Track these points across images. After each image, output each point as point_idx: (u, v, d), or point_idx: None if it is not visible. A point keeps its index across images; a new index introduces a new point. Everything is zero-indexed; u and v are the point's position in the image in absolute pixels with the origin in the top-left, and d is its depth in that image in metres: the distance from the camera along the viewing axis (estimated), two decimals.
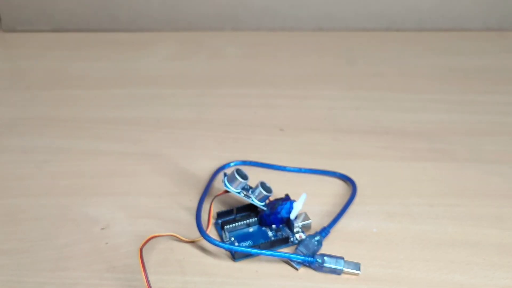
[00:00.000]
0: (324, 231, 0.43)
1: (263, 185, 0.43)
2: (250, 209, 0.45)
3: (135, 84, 0.68)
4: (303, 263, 0.41)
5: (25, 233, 0.44)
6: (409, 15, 0.79)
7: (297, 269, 0.41)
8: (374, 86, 0.66)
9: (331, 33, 0.80)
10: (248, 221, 0.44)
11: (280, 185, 0.48)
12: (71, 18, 0.81)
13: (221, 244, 0.40)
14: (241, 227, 0.44)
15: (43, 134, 0.58)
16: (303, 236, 0.43)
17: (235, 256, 0.41)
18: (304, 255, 0.40)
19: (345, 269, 0.40)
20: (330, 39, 0.78)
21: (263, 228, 0.44)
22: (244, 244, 0.43)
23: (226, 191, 0.43)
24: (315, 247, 0.42)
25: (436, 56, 0.73)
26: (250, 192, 0.43)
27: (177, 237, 0.43)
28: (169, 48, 0.78)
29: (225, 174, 0.44)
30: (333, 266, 0.40)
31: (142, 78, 0.70)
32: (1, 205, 0.47)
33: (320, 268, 0.40)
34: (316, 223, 0.45)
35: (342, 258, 0.40)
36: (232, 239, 0.43)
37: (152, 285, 0.38)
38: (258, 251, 0.40)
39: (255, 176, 0.46)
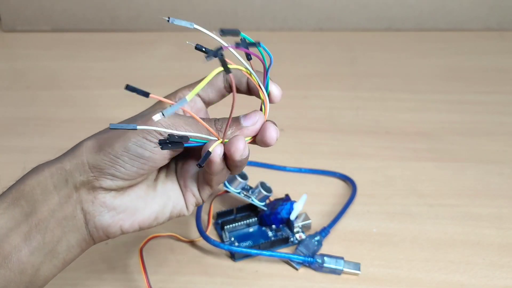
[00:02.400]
0: (324, 231, 0.43)
1: (263, 185, 0.43)
2: (250, 209, 0.45)
3: (135, 84, 0.68)
4: (303, 263, 0.41)
5: None
6: (409, 15, 0.79)
7: (297, 269, 0.41)
8: (374, 86, 0.66)
9: (331, 33, 0.80)
10: (248, 221, 0.44)
11: (280, 185, 0.48)
12: (71, 18, 0.81)
13: (220, 244, 0.40)
14: (241, 227, 0.44)
15: (43, 134, 0.58)
16: (303, 236, 0.43)
17: (235, 256, 0.41)
18: (304, 255, 0.40)
19: (345, 269, 0.40)
20: (330, 39, 0.78)
21: (263, 228, 0.44)
22: (244, 244, 0.42)
23: (226, 191, 0.43)
24: (315, 247, 0.42)
25: (436, 56, 0.73)
26: (250, 192, 0.43)
27: (177, 237, 0.43)
28: (169, 48, 0.77)
29: None
30: (333, 266, 0.40)
31: (142, 78, 0.70)
32: None
33: (320, 268, 0.40)
34: (316, 223, 0.45)
35: (342, 258, 0.40)
36: (232, 239, 0.43)
37: (152, 285, 0.38)
38: (258, 251, 0.40)
39: (255, 176, 0.45)
